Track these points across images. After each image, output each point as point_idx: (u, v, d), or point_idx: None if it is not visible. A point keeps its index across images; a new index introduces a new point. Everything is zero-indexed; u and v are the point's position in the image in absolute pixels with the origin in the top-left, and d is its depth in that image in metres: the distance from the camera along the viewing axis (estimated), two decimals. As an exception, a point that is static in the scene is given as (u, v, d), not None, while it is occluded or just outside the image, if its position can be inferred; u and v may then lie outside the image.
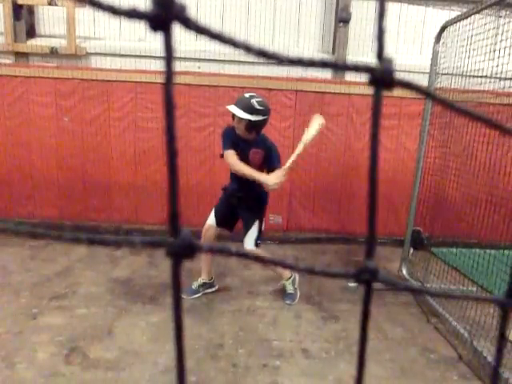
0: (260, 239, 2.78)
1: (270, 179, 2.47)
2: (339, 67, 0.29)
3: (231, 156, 2.53)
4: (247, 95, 2.54)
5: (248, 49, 0.27)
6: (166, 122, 0.27)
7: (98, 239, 0.29)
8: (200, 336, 2.35)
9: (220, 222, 2.81)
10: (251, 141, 2.62)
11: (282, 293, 2.91)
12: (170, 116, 0.27)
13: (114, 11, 0.24)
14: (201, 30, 0.25)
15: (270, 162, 2.63)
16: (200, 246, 0.28)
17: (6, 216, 4.08)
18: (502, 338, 0.35)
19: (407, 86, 0.29)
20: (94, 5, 0.24)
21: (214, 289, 2.92)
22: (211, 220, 2.83)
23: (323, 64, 0.29)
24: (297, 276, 2.93)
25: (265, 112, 2.53)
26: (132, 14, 0.24)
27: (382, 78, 0.27)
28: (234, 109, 2.49)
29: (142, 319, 2.51)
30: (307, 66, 0.29)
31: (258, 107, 2.48)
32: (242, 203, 2.75)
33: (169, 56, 0.25)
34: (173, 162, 0.27)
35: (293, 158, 2.53)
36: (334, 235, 4.17)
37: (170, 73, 0.26)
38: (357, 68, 0.28)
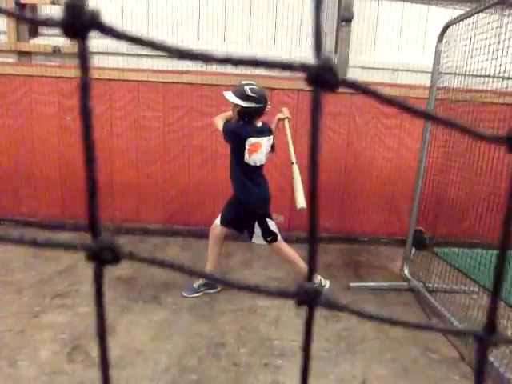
0: (271, 235, 2.76)
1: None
2: (273, 65, 0.27)
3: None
4: (243, 82, 2.59)
5: (166, 50, 0.26)
6: (83, 128, 0.27)
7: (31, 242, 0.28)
8: (201, 335, 2.36)
9: (225, 221, 2.80)
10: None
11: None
12: (86, 121, 0.27)
13: (31, 21, 0.25)
14: (117, 35, 0.25)
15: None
16: (124, 251, 0.26)
17: (9, 215, 4.10)
18: (479, 375, 0.32)
19: (353, 86, 0.26)
20: (11, 15, 0.25)
21: (215, 290, 2.92)
22: (218, 219, 2.83)
23: (256, 63, 0.27)
24: (323, 290, 2.84)
25: (258, 100, 2.53)
26: (48, 22, 0.25)
27: (320, 76, 0.25)
28: (227, 94, 2.55)
29: (143, 318, 2.51)
30: (239, 64, 0.27)
31: (250, 94, 2.51)
32: (236, 202, 2.77)
33: (84, 62, 0.25)
34: (90, 156, 0.28)
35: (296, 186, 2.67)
36: (335, 235, 4.16)
37: (86, 80, 0.26)
38: (292, 66, 0.26)
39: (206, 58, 0.26)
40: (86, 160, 0.27)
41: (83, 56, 0.25)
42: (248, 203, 2.74)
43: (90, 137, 0.27)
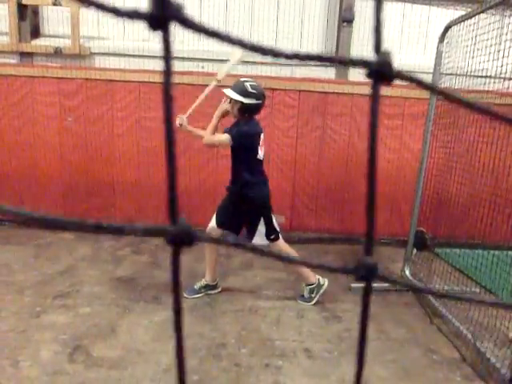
0: (274, 233, 2.76)
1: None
2: (335, 61, 0.29)
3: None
4: (242, 79, 2.62)
5: (244, 45, 0.27)
6: (165, 119, 0.28)
7: (104, 226, 0.30)
8: (202, 335, 2.36)
9: (221, 222, 2.77)
10: (237, 123, 2.68)
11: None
12: (168, 112, 0.27)
13: (117, 12, 0.25)
14: (198, 28, 0.26)
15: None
16: (198, 234, 0.28)
17: (11, 215, 4.10)
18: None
19: (407, 78, 0.29)
20: (97, 6, 0.25)
21: (216, 291, 2.92)
22: (212, 221, 2.81)
23: (319, 58, 0.29)
24: (322, 288, 2.84)
25: (258, 96, 2.57)
26: (133, 14, 0.25)
27: (380, 70, 0.27)
28: (228, 91, 2.57)
29: (144, 318, 2.51)
30: (304, 59, 0.29)
31: (251, 90, 2.54)
32: (238, 198, 2.73)
33: (167, 53, 0.26)
34: (171, 151, 0.29)
35: (198, 100, 2.77)
36: (337, 235, 4.16)
37: (169, 69, 0.26)
38: (353, 61, 0.28)
39: (275, 53, 0.28)
40: (167, 151, 0.29)
41: (166, 47, 0.26)
42: (259, 199, 2.72)
43: (170, 128, 0.28)
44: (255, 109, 2.61)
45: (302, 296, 2.85)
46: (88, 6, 0.26)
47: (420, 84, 0.30)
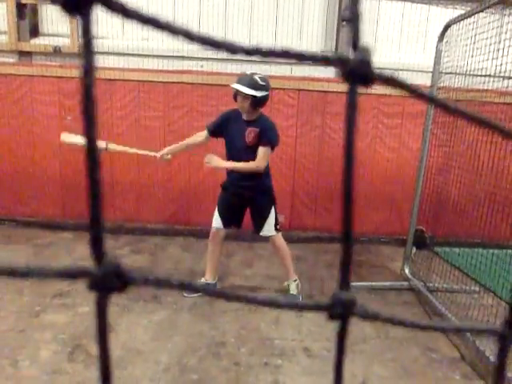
0: (278, 223, 2.80)
1: (216, 162, 2.66)
2: (306, 58, 0.25)
3: (199, 134, 2.83)
4: (248, 72, 2.59)
5: (190, 37, 0.23)
6: (85, 115, 0.24)
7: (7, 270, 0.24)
8: (202, 334, 2.36)
9: (227, 221, 2.79)
10: (251, 120, 2.62)
11: (284, 293, 2.91)
12: (89, 107, 0.24)
13: None
14: (128, 13, 0.22)
15: (261, 138, 2.60)
16: (132, 275, 0.23)
17: (10, 215, 4.10)
18: (500, 371, 0.32)
19: (388, 81, 0.24)
20: None
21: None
22: (217, 223, 2.80)
23: (287, 54, 0.25)
24: (299, 283, 2.92)
25: (267, 87, 2.56)
26: None
27: (357, 70, 0.23)
28: (238, 86, 2.49)
29: (144, 318, 2.51)
30: (267, 55, 0.25)
31: (262, 83, 2.52)
32: (252, 193, 2.72)
33: (88, 40, 0.22)
34: (94, 164, 0.25)
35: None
36: (336, 234, 4.16)
37: (90, 60, 0.23)
38: (327, 59, 0.24)
39: (231, 48, 0.24)
40: (88, 173, 0.25)
41: (86, 34, 0.22)
42: (272, 189, 2.80)
43: (92, 122, 0.25)
44: (266, 101, 2.59)
45: (291, 295, 2.85)
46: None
47: (402, 87, 0.26)
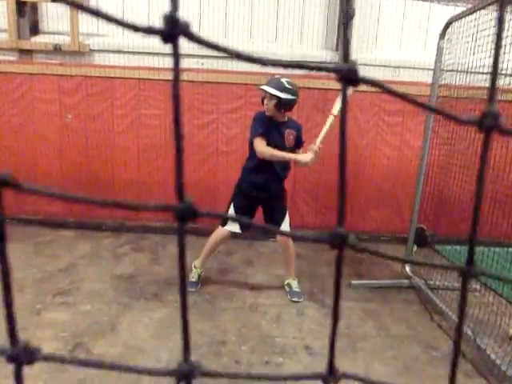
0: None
1: (306, 157, 2.58)
2: (311, 68, 0.35)
3: (260, 143, 2.59)
4: (277, 76, 2.66)
5: (239, 56, 0.32)
6: (174, 115, 0.33)
7: (112, 202, 0.34)
8: (203, 332, 2.36)
9: (245, 225, 2.77)
10: (285, 122, 2.70)
11: (286, 291, 2.92)
12: (177, 110, 0.32)
13: (133, 28, 0.30)
14: (201, 42, 0.31)
15: (299, 141, 2.78)
16: (201, 212, 0.34)
17: (12, 213, 4.11)
18: (462, 301, 0.39)
19: (370, 82, 0.34)
20: (116, 22, 0.30)
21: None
22: (234, 227, 2.77)
23: (298, 66, 0.34)
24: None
25: (294, 92, 2.60)
26: (148, 30, 0.31)
27: (348, 76, 0.33)
28: (265, 87, 2.58)
29: (145, 315, 2.52)
30: (283, 66, 0.34)
31: (288, 86, 2.57)
32: (273, 194, 2.80)
33: (177, 65, 0.31)
34: (179, 143, 0.35)
35: (322, 133, 2.66)
36: (337, 232, 4.16)
37: (177, 77, 0.31)
38: (326, 68, 0.34)
39: (262, 62, 0.33)
40: (175, 136, 0.35)
41: (176, 58, 0.31)
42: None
43: (179, 124, 0.34)
44: (291, 104, 2.63)
45: (296, 292, 2.86)
46: (103, 20, 0.30)
47: (380, 87, 0.36)
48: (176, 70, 0.31)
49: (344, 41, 0.35)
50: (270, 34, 4.15)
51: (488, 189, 2.82)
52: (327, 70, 0.34)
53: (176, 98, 0.31)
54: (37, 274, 3.01)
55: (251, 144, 2.68)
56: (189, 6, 4.02)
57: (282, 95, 2.54)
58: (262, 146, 2.58)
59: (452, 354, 0.38)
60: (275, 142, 2.63)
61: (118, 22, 0.29)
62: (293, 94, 2.59)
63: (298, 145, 2.78)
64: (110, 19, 0.29)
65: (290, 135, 2.71)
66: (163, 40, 0.30)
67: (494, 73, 0.34)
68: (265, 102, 2.63)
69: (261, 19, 4.12)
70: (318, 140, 2.62)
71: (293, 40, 4.17)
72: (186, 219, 0.34)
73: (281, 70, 3.98)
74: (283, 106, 2.59)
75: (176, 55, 0.31)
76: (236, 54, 0.32)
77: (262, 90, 2.59)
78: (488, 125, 0.34)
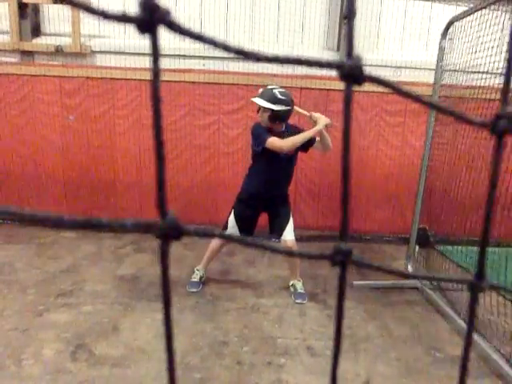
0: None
1: (322, 120, 2.58)
2: (313, 64, 0.32)
3: (275, 141, 2.55)
4: (269, 87, 2.62)
5: (227, 48, 0.29)
6: (154, 118, 0.29)
7: (87, 223, 0.30)
8: (204, 333, 2.36)
9: (246, 233, 2.78)
10: (281, 132, 2.65)
11: (289, 292, 2.91)
12: (157, 112, 0.28)
13: (105, 15, 0.26)
14: (183, 32, 0.27)
15: (306, 143, 2.65)
16: (186, 229, 0.30)
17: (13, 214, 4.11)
18: (471, 317, 0.39)
19: (375, 80, 0.31)
20: (87, 9, 0.26)
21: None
22: (234, 231, 2.78)
23: (297, 62, 0.31)
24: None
25: (287, 102, 2.56)
26: (122, 18, 0.26)
27: (351, 73, 0.30)
28: (257, 100, 2.56)
29: (147, 316, 2.52)
30: (282, 63, 0.31)
31: (280, 97, 2.53)
32: (277, 200, 2.80)
33: (155, 56, 0.27)
34: (160, 151, 0.32)
35: (301, 110, 2.72)
36: (338, 233, 4.15)
37: (157, 70, 0.27)
38: (328, 64, 0.31)
39: (257, 57, 0.30)
40: (155, 143, 0.31)
41: (154, 49, 0.27)
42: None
43: (158, 124, 0.30)
44: (285, 115, 2.60)
45: (300, 293, 2.86)
46: (77, 8, 0.26)
47: (387, 85, 0.32)
48: (156, 66, 0.27)
49: (348, 35, 0.31)
50: (270, 35, 4.15)
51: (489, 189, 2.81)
52: (329, 66, 0.31)
53: (156, 99, 0.28)
54: (39, 275, 3.01)
55: (254, 156, 2.70)
56: (190, 7, 4.02)
57: (275, 107, 2.51)
58: (278, 142, 2.53)
59: (460, 370, 0.38)
60: (275, 151, 2.60)
61: (89, 9, 0.25)
62: (286, 105, 2.55)
63: (304, 147, 2.70)
64: (79, 6, 0.26)
65: None
66: (140, 29, 0.26)
67: (508, 74, 0.33)
68: (259, 114, 2.62)
69: (262, 20, 4.12)
70: (301, 110, 2.69)
71: (294, 41, 4.17)
72: (169, 239, 0.31)
73: (280, 68, 3.98)
74: (277, 117, 2.57)
75: (155, 47, 0.27)
76: (223, 47, 0.28)
77: (257, 104, 2.57)
78: (501, 128, 0.32)
